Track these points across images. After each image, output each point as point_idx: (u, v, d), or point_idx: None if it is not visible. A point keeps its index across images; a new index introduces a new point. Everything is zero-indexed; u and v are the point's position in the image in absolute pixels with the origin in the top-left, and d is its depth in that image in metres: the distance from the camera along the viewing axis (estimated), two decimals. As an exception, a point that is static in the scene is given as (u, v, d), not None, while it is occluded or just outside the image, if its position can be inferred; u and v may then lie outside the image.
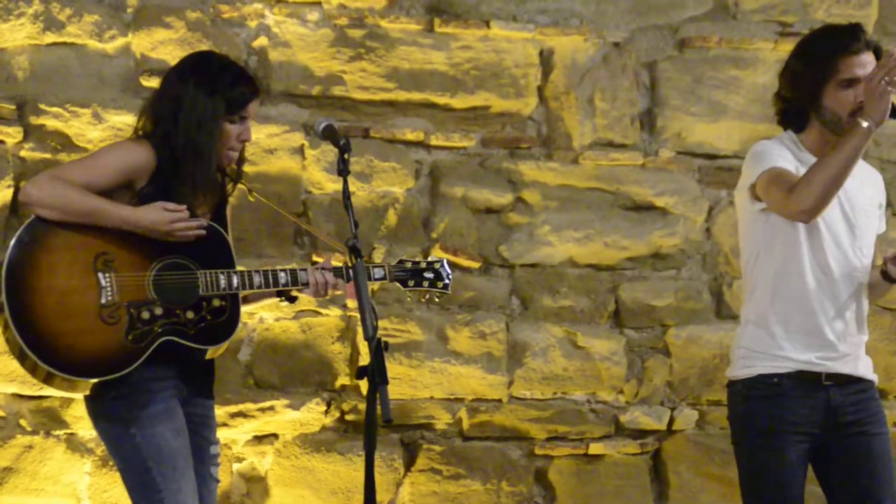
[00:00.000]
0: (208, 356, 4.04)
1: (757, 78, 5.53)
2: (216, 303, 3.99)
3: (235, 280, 4.00)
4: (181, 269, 3.98)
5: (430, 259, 4.27)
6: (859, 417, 4.11)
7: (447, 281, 4.26)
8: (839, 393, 4.08)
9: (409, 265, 4.22)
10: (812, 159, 4.07)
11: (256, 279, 4.04)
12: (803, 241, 4.07)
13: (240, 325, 4.05)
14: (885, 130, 5.01)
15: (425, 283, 4.23)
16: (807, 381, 4.05)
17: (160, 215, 3.93)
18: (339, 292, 4.15)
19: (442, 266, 4.26)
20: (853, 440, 4.09)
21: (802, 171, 4.04)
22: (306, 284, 4.09)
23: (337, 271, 4.12)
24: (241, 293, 4.05)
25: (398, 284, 4.23)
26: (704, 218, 5.59)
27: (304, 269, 4.12)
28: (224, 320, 4.01)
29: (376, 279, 4.18)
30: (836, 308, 4.09)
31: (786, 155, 4.06)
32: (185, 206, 3.97)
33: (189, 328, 3.97)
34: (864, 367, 4.17)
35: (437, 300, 4.30)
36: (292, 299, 4.20)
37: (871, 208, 4.19)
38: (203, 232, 3.99)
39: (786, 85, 4.15)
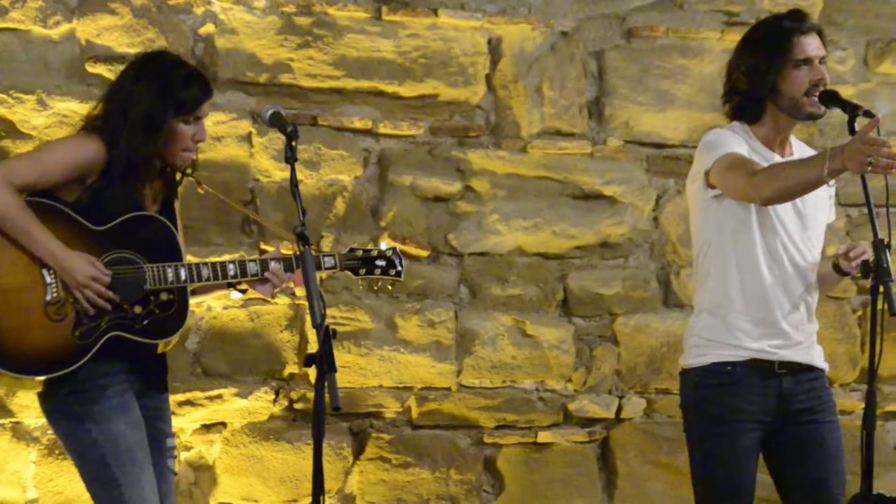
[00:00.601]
0: (160, 350, 4.02)
1: (704, 67, 5.56)
2: (164, 296, 3.98)
3: (183, 273, 3.98)
4: (127, 264, 3.96)
5: (381, 247, 4.25)
6: (811, 406, 4.14)
7: (399, 268, 4.25)
8: (791, 381, 4.11)
9: (360, 253, 4.21)
10: (764, 150, 4.12)
11: (205, 272, 4.02)
12: (756, 231, 4.09)
13: (189, 316, 4.03)
14: (831, 119, 4.95)
15: (377, 272, 4.22)
16: (760, 369, 4.08)
17: (85, 268, 3.88)
18: (289, 284, 4.14)
19: (394, 253, 4.26)
20: (804, 428, 4.11)
21: (756, 158, 4.06)
22: (255, 275, 4.07)
23: (285, 263, 4.10)
24: (190, 286, 4.03)
25: (349, 273, 4.21)
26: (652, 207, 5.60)
27: (254, 261, 4.10)
28: (172, 313, 3.99)
29: (326, 268, 4.17)
30: (788, 297, 4.12)
31: (740, 142, 4.09)
32: (110, 275, 3.91)
33: (136, 323, 3.95)
34: (817, 356, 4.21)
35: (389, 288, 4.29)
36: (243, 291, 4.19)
37: (821, 200, 4.22)
38: (108, 307, 3.94)
39: (741, 79, 4.16)
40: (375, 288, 4.29)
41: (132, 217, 3.99)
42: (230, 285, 4.17)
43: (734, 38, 4.51)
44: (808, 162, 3.94)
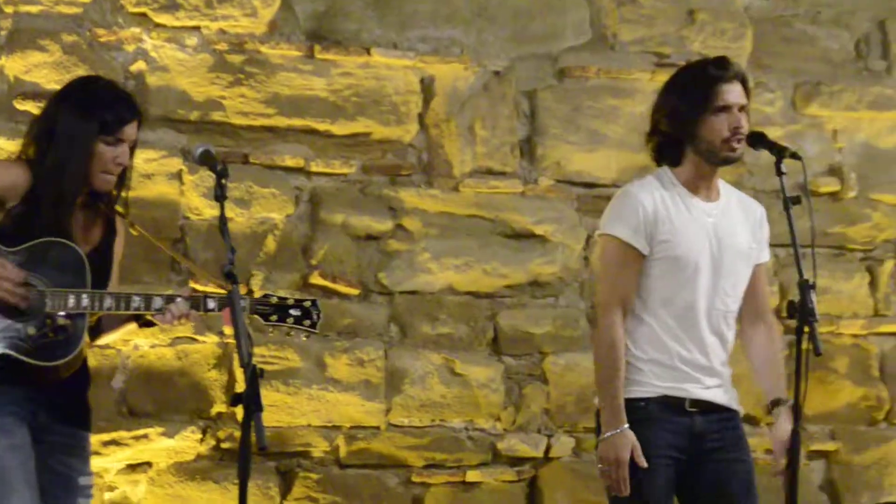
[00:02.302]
0: (57, 375, 3.97)
1: (635, 107, 5.56)
2: (60, 321, 3.95)
3: (85, 300, 3.95)
4: (28, 286, 3.94)
5: (300, 297, 4.23)
6: (723, 445, 4.19)
7: (315, 320, 4.20)
8: (703, 420, 4.17)
9: (274, 300, 4.18)
10: (685, 193, 4.18)
11: (108, 301, 3.99)
12: (668, 277, 4.16)
13: (111, 350, 4.03)
14: (759, 161, 5.10)
15: (289, 321, 4.18)
16: (671, 406, 4.13)
17: None
18: (188, 323, 4.11)
19: (313, 306, 4.20)
20: (718, 466, 4.16)
21: (669, 205, 4.14)
22: (159, 310, 4.05)
23: (193, 302, 4.06)
24: (94, 316, 4.01)
25: (258, 318, 4.18)
26: (583, 246, 5.61)
27: (160, 296, 4.08)
28: (64, 338, 3.97)
29: None
30: (698, 343, 4.19)
31: (641, 209, 4.13)
32: (24, 276, 3.91)
33: (27, 343, 3.93)
34: (728, 398, 4.26)
35: (304, 338, 4.26)
36: (149, 324, 4.16)
37: (743, 249, 4.27)
38: (24, 304, 3.93)
39: (662, 121, 4.23)
40: (289, 335, 4.24)
41: (44, 242, 3.98)
42: (136, 318, 4.13)
43: (664, 78, 4.57)
44: (606, 391, 4.08)
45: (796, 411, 4.01)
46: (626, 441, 4.04)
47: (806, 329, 3.96)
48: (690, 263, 4.17)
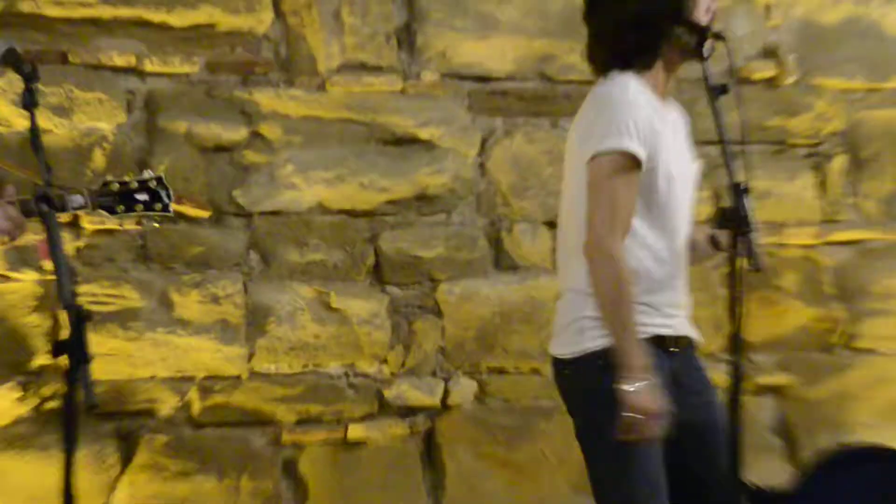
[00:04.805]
0: None
1: None
2: None
3: None
4: None
5: (143, 175, 4.16)
6: (698, 388, 4.24)
7: (167, 201, 4.17)
8: (679, 359, 4.21)
9: (115, 186, 4.12)
10: (656, 103, 4.15)
11: None
12: (647, 210, 4.14)
13: None
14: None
15: (138, 207, 4.13)
16: (660, 346, 4.15)
17: None
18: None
19: (159, 183, 4.18)
20: (694, 412, 4.19)
21: (654, 115, 4.09)
22: None
23: (23, 206, 3.94)
24: None
25: (103, 213, 4.11)
26: (477, 152, 5.66)
27: None
28: None
29: (74, 209, 4.03)
30: (678, 274, 4.23)
31: (642, 113, 4.07)
32: None
33: None
34: (696, 331, 4.32)
35: (157, 225, 4.28)
36: None
37: (693, 167, 4.30)
38: None
39: (629, 31, 4.15)
40: (140, 224, 4.12)
41: None
42: None
43: None
44: (627, 334, 4.03)
45: (736, 341, 3.99)
46: (658, 392, 4.03)
47: (741, 241, 3.95)
48: (676, 183, 4.16)
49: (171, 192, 4.19)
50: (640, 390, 4.00)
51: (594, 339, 4.13)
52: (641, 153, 4.05)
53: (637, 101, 4.09)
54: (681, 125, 4.30)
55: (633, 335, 4.04)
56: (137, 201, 4.13)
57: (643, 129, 4.06)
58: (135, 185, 4.13)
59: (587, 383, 4.15)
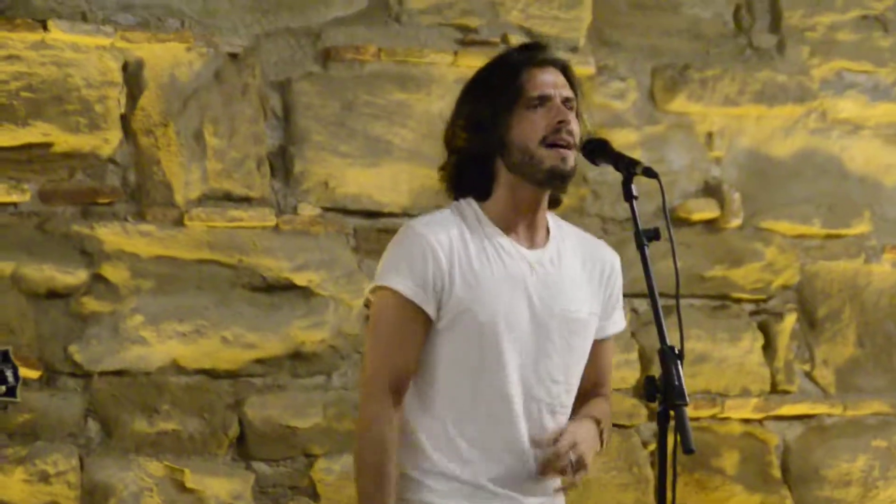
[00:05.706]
0: None
1: (431, 104, 5.61)
2: None
3: None
4: None
5: None
6: None
7: (12, 383, 4.25)
8: None
9: None
10: (496, 234, 4.02)
11: None
12: (465, 354, 3.99)
13: None
14: (608, 177, 5.20)
15: None
16: None
17: None
18: None
19: (4, 360, 4.26)
20: None
21: (472, 252, 3.99)
22: None
23: None
24: None
25: None
26: (364, 301, 5.26)
27: None
28: None
29: None
30: (511, 448, 4.01)
31: (431, 254, 4.00)
32: None
33: None
34: None
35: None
36: None
37: (580, 317, 4.10)
38: None
39: (460, 135, 4.07)
40: None
41: None
42: None
43: (471, 62, 4.68)
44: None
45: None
46: None
47: (672, 417, 3.79)
48: (499, 337, 3.98)
49: (18, 372, 4.27)
50: None
51: None
52: (417, 297, 4.01)
53: (435, 231, 4.07)
54: (564, 262, 4.12)
55: None
56: None
57: (433, 268, 4.02)
58: None
59: None
